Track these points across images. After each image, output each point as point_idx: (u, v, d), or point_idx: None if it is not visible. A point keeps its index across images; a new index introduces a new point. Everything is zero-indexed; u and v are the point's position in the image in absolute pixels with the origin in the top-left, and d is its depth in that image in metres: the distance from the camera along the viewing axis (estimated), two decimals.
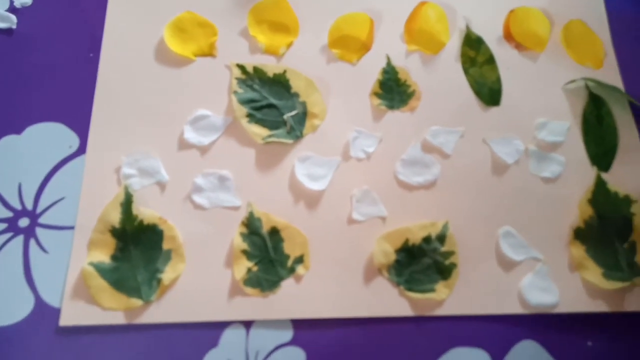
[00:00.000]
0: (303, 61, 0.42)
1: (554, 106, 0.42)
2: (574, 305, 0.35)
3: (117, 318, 0.33)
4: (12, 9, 0.42)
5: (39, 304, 0.33)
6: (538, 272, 0.36)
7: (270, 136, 0.39)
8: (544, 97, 0.42)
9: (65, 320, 0.33)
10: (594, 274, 0.36)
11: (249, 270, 0.35)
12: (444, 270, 0.36)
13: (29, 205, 0.36)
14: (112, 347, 0.33)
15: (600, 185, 0.38)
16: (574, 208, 0.38)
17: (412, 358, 0.34)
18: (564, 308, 0.35)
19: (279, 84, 0.41)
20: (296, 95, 0.40)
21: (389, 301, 0.35)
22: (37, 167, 0.37)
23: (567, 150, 0.40)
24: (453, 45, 0.43)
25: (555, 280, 0.36)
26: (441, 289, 0.35)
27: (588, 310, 0.35)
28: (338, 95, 0.41)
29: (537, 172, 0.39)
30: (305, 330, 0.34)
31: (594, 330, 0.35)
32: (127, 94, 0.40)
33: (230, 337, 0.34)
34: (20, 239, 0.35)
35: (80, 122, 0.38)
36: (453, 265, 0.36)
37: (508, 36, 0.44)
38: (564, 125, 0.41)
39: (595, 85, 0.42)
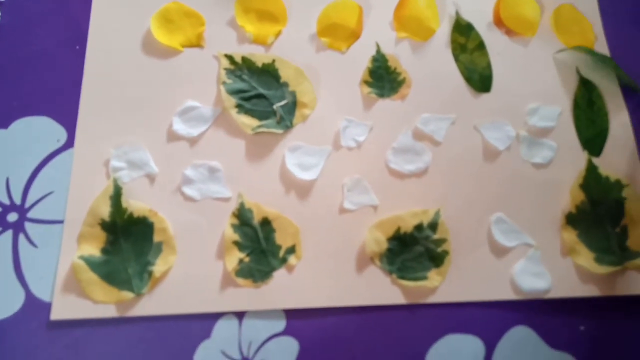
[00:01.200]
0: (292, 50, 0.41)
1: (544, 91, 0.41)
2: (566, 290, 0.35)
3: (109, 311, 0.33)
4: None
5: (30, 298, 0.33)
6: (530, 258, 0.36)
7: (259, 126, 0.38)
8: (534, 83, 0.42)
9: (56, 314, 0.33)
10: (585, 258, 0.36)
11: (241, 261, 0.35)
12: (436, 258, 0.36)
13: (18, 200, 0.36)
14: (104, 341, 0.33)
15: (591, 170, 0.38)
16: (565, 193, 0.38)
17: (405, 346, 0.34)
18: (556, 293, 0.35)
19: (268, 73, 0.40)
20: (285, 84, 0.40)
21: (382, 290, 0.35)
22: (25, 161, 0.37)
23: (558, 135, 0.40)
24: (443, 31, 0.43)
25: (548, 266, 0.36)
26: (433, 277, 0.35)
27: (580, 295, 0.35)
28: (328, 84, 0.40)
29: (529, 158, 0.39)
30: (298, 320, 0.34)
31: (586, 315, 0.35)
32: (114, 86, 0.39)
33: (223, 328, 0.34)
34: (9, 233, 0.35)
35: (67, 116, 0.38)
36: (445, 253, 0.36)
37: (498, 22, 0.43)
38: (555, 111, 0.41)
39: (588, 61, 0.41)
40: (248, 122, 0.39)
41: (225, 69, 0.40)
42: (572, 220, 0.37)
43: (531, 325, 0.35)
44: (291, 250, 0.36)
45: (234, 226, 0.36)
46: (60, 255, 0.34)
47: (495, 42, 0.43)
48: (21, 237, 0.35)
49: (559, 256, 0.36)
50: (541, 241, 0.37)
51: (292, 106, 0.40)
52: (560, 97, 0.41)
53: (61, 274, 0.34)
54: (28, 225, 0.35)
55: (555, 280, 0.35)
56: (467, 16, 0.43)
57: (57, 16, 0.42)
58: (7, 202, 0.36)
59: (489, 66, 0.42)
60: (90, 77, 0.39)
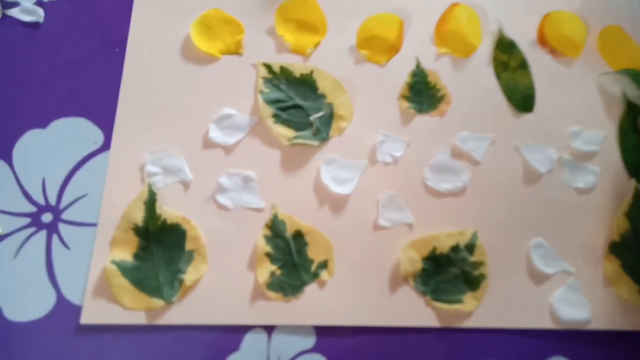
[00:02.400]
0: (330, 62, 0.41)
1: (589, 114, 0.40)
2: (607, 323, 0.34)
3: (138, 318, 0.33)
4: (39, 3, 0.42)
5: (61, 300, 0.33)
6: (570, 287, 0.35)
7: (295, 137, 0.38)
8: (578, 105, 0.40)
9: (86, 319, 0.33)
10: (629, 290, 0.35)
11: (272, 273, 0.34)
12: (472, 281, 0.35)
13: (53, 201, 0.36)
14: (131, 348, 0.32)
15: (638, 197, 0.37)
16: (608, 220, 0.37)
17: None
18: (596, 325, 0.34)
19: (306, 84, 0.40)
20: (323, 96, 0.40)
21: (415, 311, 0.34)
22: (61, 162, 0.37)
23: (602, 160, 0.39)
24: (485, 48, 0.42)
25: (588, 296, 0.35)
26: (469, 300, 0.34)
27: (622, 329, 0.34)
28: (365, 98, 0.40)
29: (571, 182, 0.38)
30: (328, 337, 0.33)
31: (628, 350, 0.34)
32: (152, 90, 0.39)
33: (252, 342, 0.33)
34: (43, 234, 0.35)
35: (105, 118, 0.38)
36: (482, 276, 0.35)
37: (542, 41, 0.42)
38: (599, 134, 0.39)
39: (634, 88, 0.40)
40: (284, 132, 0.38)
41: (263, 77, 0.40)
42: (616, 249, 0.36)
43: (569, 356, 0.33)
44: (323, 265, 0.35)
45: (266, 237, 0.35)
46: (93, 259, 0.34)
47: (538, 62, 0.42)
48: (55, 238, 0.35)
49: (601, 286, 0.35)
50: (582, 269, 0.36)
51: (329, 118, 0.39)
52: (605, 121, 0.40)
53: (93, 277, 0.34)
54: (62, 227, 0.35)
55: (595, 312, 0.34)
56: (511, 34, 0.42)
57: (98, 19, 0.42)
58: (42, 202, 0.36)
59: (531, 86, 0.41)
60: (129, 80, 0.39)
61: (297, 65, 0.40)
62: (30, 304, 0.33)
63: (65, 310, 0.33)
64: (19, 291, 0.33)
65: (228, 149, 0.38)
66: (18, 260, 0.34)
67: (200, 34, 0.41)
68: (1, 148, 0.37)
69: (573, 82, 0.41)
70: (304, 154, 0.38)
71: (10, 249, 0.34)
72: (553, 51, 0.42)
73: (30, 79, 0.39)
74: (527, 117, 0.40)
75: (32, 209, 0.35)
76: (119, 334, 0.33)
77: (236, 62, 0.41)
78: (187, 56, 0.41)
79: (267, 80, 0.40)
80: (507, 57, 0.42)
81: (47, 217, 0.35)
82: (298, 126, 0.39)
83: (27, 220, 0.35)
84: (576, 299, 0.34)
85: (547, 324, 0.34)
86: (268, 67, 0.40)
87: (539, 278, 0.35)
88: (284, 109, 0.39)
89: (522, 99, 0.40)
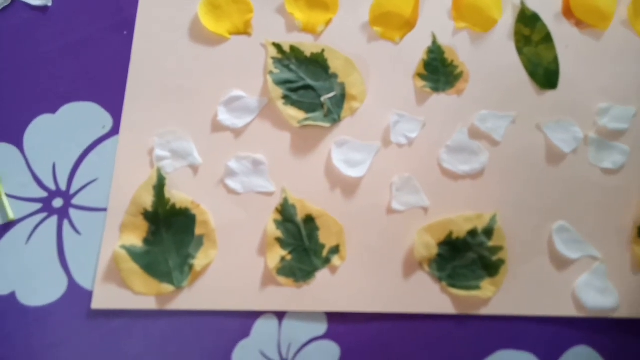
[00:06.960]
0: (342, 40, 0.39)
1: (618, 89, 0.38)
2: (635, 310, 0.32)
3: (149, 303, 0.33)
4: None
5: (72, 285, 0.33)
6: (595, 272, 0.33)
7: (306, 119, 0.37)
8: (607, 80, 0.38)
9: (97, 304, 0.32)
10: None
11: (283, 259, 0.34)
12: (490, 267, 0.33)
13: (63, 186, 0.36)
14: (142, 332, 0.32)
15: None
16: (637, 203, 0.35)
17: (453, 359, 0.32)
18: (624, 313, 0.32)
19: (317, 63, 0.38)
20: (334, 76, 0.38)
21: (430, 297, 0.33)
22: (71, 147, 0.37)
23: (631, 138, 0.37)
24: (506, 22, 0.40)
25: (615, 282, 0.33)
26: (487, 287, 0.33)
27: None
28: (379, 76, 0.38)
29: (597, 163, 0.36)
30: (340, 324, 0.33)
31: None
32: (160, 73, 0.38)
33: (263, 328, 0.32)
34: (54, 219, 0.35)
35: (113, 102, 0.38)
36: (501, 262, 0.33)
37: (567, 12, 0.40)
38: (628, 111, 0.37)
39: None
40: (294, 114, 0.37)
41: (273, 58, 0.38)
42: None
43: (594, 345, 0.32)
44: (335, 250, 0.34)
45: (276, 222, 0.34)
46: (103, 244, 0.34)
47: (563, 35, 0.39)
48: (65, 223, 0.35)
49: (629, 272, 0.33)
50: (608, 254, 0.34)
51: (341, 99, 0.38)
52: (635, 97, 0.38)
53: (103, 262, 0.33)
54: (72, 212, 0.35)
55: (623, 299, 0.33)
56: (533, 5, 0.40)
57: (105, 2, 0.41)
58: (53, 187, 0.36)
59: (555, 61, 0.38)
60: (137, 63, 0.39)
61: (308, 44, 0.39)
62: (42, 289, 0.33)
63: (77, 295, 0.33)
64: (32, 276, 0.33)
65: (237, 132, 0.37)
66: (30, 245, 0.34)
67: (208, 14, 0.40)
68: (12, 133, 0.37)
69: (601, 56, 0.39)
70: (315, 136, 0.37)
71: (22, 234, 0.34)
72: (579, 23, 0.40)
73: (39, 63, 0.39)
74: (550, 94, 0.38)
75: (43, 194, 0.35)
76: (130, 318, 0.33)
77: (245, 42, 0.39)
78: (195, 37, 0.40)
79: (276, 61, 0.38)
80: (529, 30, 0.39)
81: (58, 203, 0.35)
82: (309, 107, 0.37)
83: (38, 206, 0.35)
84: (602, 286, 0.33)
85: (570, 311, 0.32)
86: (278, 46, 0.39)
87: (562, 263, 0.34)
88: (294, 90, 0.38)
89: (545, 75, 0.38)
